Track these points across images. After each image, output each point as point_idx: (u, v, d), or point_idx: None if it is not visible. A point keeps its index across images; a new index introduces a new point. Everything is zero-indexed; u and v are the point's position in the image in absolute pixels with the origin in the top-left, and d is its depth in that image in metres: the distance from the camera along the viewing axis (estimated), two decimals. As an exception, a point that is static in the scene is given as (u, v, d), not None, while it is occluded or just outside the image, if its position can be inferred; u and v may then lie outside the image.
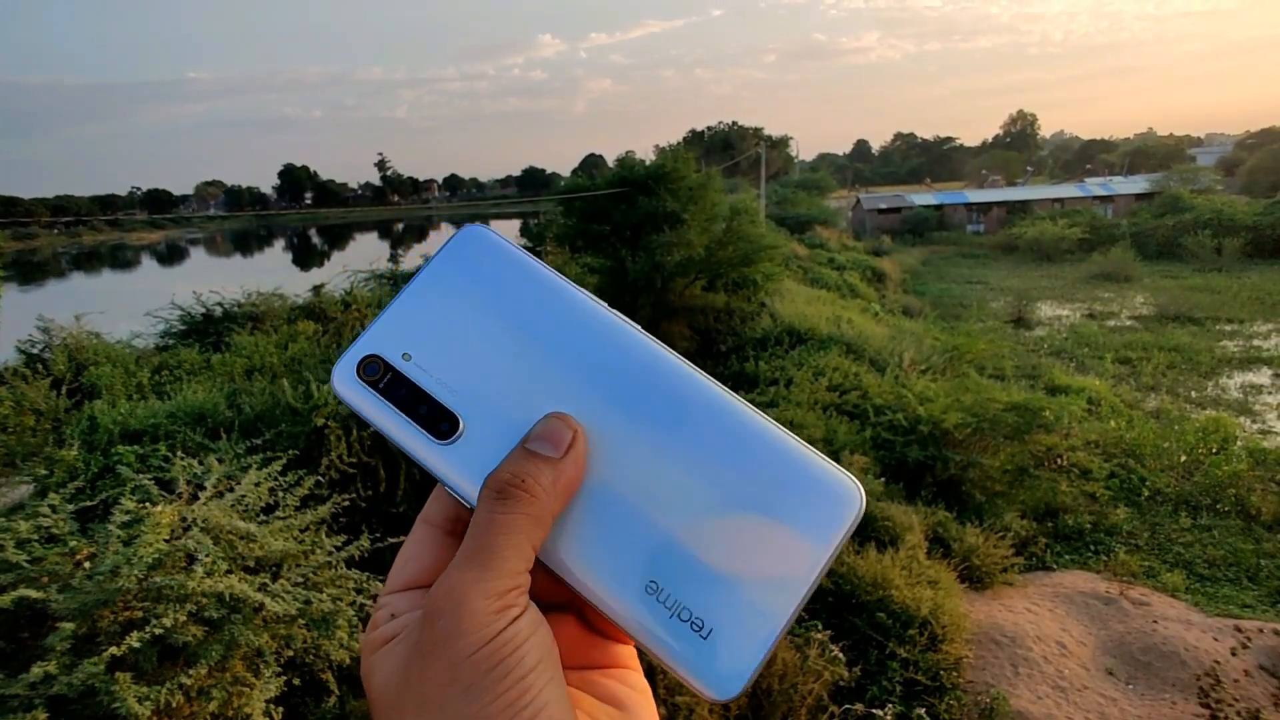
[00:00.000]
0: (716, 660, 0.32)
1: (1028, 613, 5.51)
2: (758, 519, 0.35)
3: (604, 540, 0.35)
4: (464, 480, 0.36)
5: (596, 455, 0.36)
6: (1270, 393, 11.10)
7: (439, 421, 0.37)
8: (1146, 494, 7.66)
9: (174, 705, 2.94)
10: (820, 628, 4.74)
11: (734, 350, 11.24)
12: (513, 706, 0.31)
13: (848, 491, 0.35)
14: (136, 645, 2.78)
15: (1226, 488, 7.38)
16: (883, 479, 6.76)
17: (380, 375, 0.38)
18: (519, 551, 0.33)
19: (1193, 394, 11.07)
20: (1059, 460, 8.25)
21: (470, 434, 0.37)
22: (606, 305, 0.40)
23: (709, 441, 0.36)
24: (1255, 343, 13.87)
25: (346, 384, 0.39)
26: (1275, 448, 8.54)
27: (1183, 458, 8.11)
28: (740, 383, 9.56)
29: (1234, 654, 4.97)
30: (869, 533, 5.86)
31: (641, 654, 0.35)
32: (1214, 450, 8.06)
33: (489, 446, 0.37)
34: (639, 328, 0.39)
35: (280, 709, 3.22)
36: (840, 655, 4.57)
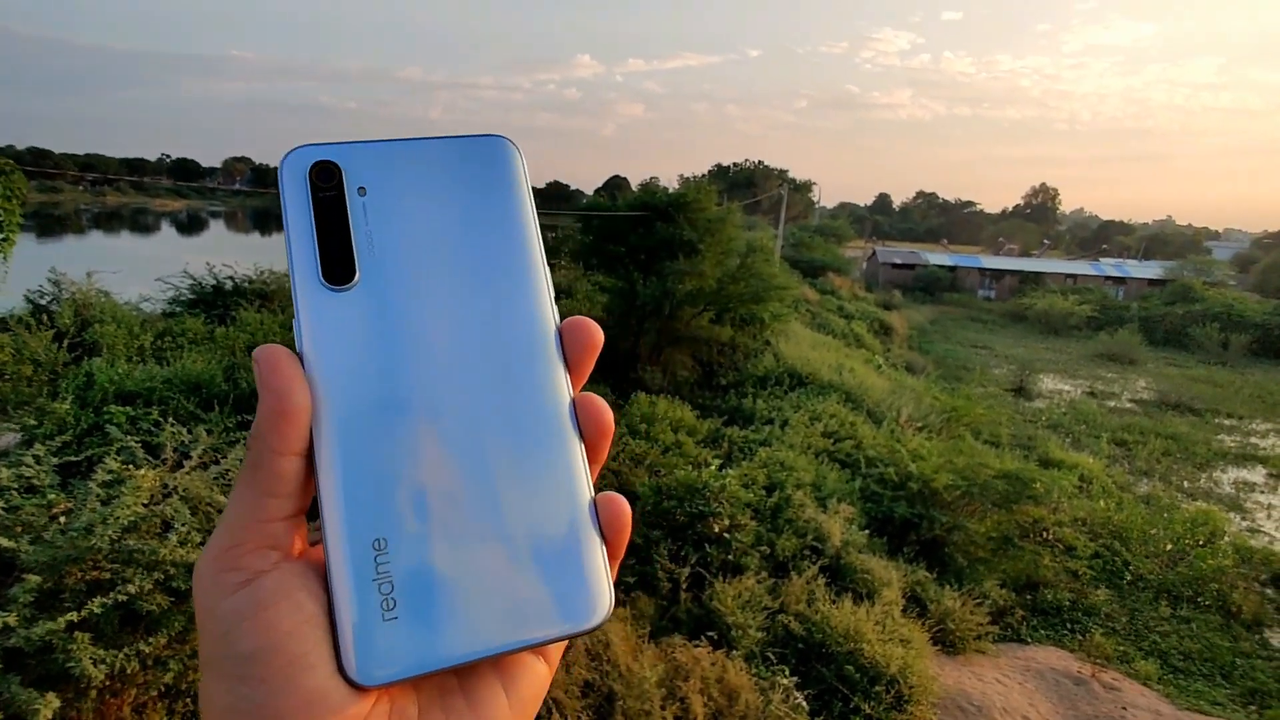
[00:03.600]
0: (378, 645, 0.30)
1: (997, 683, 5.44)
2: (516, 566, 0.33)
3: (374, 478, 0.32)
4: (316, 327, 0.34)
5: (415, 403, 0.34)
6: (1263, 491, 11.05)
7: (337, 266, 0.34)
8: (1129, 578, 7.60)
9: (129, 671, 2.91)
10: (787, 673, 4.69)
11: (734, 385, 11.26)
12: (234, 690, 0.29)
13: (596, 604, 0.34)
14: (99, 611, 2.76)
15: (1209, 581, 7.32)
16: (867, 531, 6.72)
17: (326, 188, 0.35)
18: (241, 504, 0.31)
19: (1185, 484, 11.03)
20: (1045, 534, 8.20)
21: (353, 295, 0.34)
22: (551, 289, 0.38)
23: (530, 476, 0.35)
24: (1253, 440, 13.83)
25: (293, 174, 0.35)
26: (1262, 547, 8.48)
27: (1169, 546, 8.05)
28: (736, 418, 9.56)
29: (1201, 751, 4.90)
30: (846, 583, 5.82)
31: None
32: (1201, 542, 8.01)
33: (360, 320, 0.34)
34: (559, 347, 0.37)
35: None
36: (804, 704, 4.51)
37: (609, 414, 0.37)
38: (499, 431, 0.35)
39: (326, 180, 0.35)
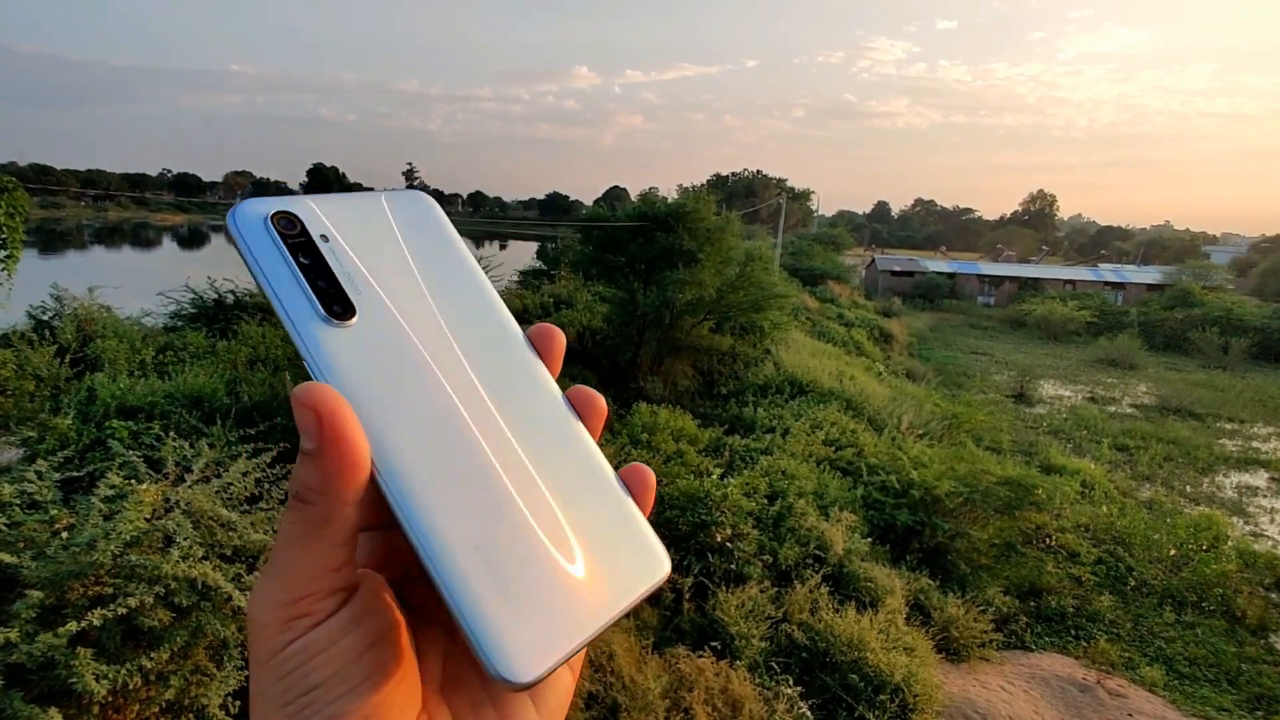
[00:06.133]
0: (518, 641, 0.31)
1: (1002, 691, 5.41)
2: (589, 542, 0.36)
3: (449, 492, 0.34)
4: (337, 366, 0.34)
5: (452, 417, 0.35)
6: (1265, 495, 11.02)
7: (334, 303, 0.35)
8: (1132, 584, 7.57)
9: (131, 687, 2.91)
10: (790, 683, 4.68)
11: (734, 394, 11.26)
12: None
13: (661, 560, 0.38)
14: (98, 623, 2.76)
15: (1214, 586, 7.29)
16: (869, 539, 6.71)
17: (294, 234, 0.36)
18: (307, 558, 0.32)
19: (1187, 488, 11.00)
20: (1047, 540, 8.18)
21: (361, 329, 0.35)
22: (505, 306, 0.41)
23: (564, 462, 0.37)
24: (1254, 444, 13.80)
25: (250, 224, 0.35)
26: (1266, 551, 8.45)
27: (1172, 551, 8.03)
28: (737, 427, 9.56)
29: (1208, 758, 4.86)
30: (849, 591, 5.80)
31: (451, 622, 0.32)
32: (1204, 547, 7.99)
33: (375, 351, 0.35)
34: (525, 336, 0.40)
35: (238, 703, 3.18)
36: (808, 714, 4.50)
37: (600, 398, 0.41)
38: (528, 427, 0.37)
39: (290, 228, 0.36)
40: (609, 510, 0.38)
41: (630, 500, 0.39)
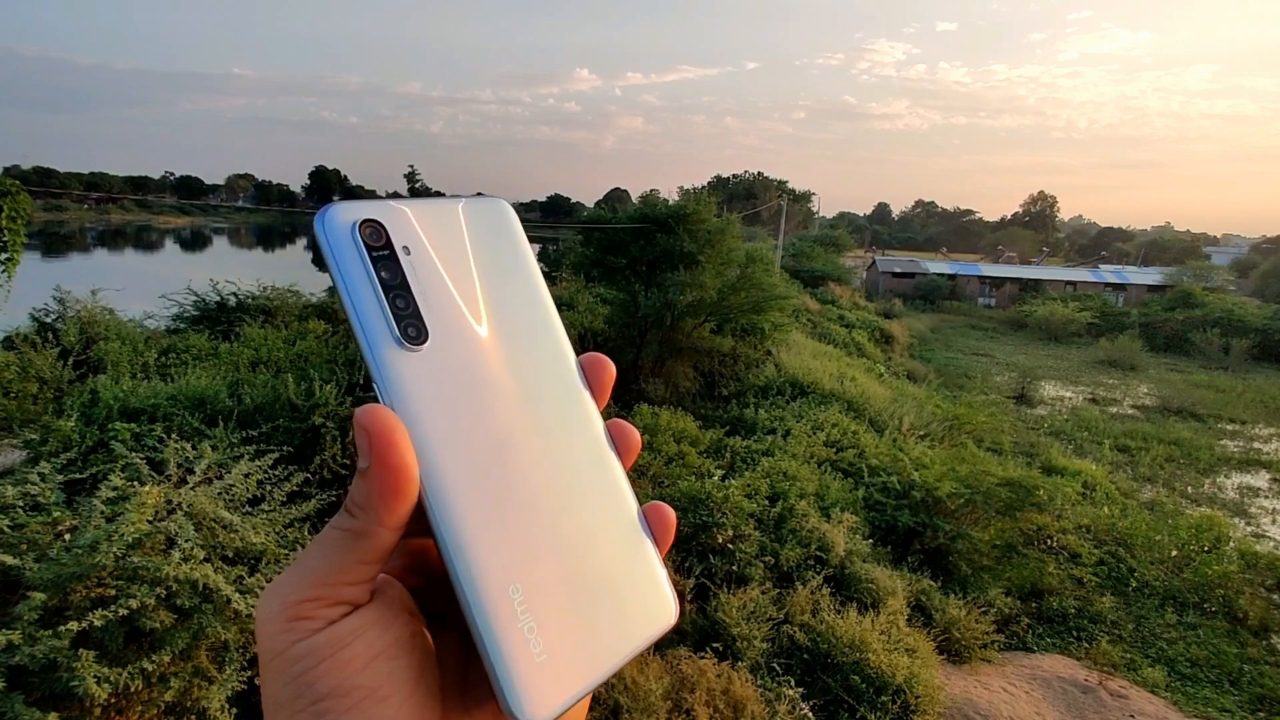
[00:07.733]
0: (536, 684, 0.33)
1: (1004, 692, 5.41)
2: (610, 586, 0.37)
3: (492, 528, 0.34)
4: (402, 391, 0.34)
5: (505, 452, 0.36)
6: (1267, 496, 11.01)
7: (409, 324, 0.35)
8: (1134, 585, 7.57)
9: (132, 690, 2.91)
10: (792, 684, 4.67)
11: (735, 396, 11.27)
12: None
13: (670, 607, 0.39)
14: (99, 623, 2.77)
15: (1215, 587, 7.28)
16: (871, 540, 6.71)
17: (379, 246, 0.35)
18: (332, 564, 0.32)
19: (1189, 489, 10.99)
20: (1049, 541, 8.17)
21: (429, 354, 0.35)
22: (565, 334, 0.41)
23: (599, 502, 0.39)
24: (1255, 445, 13.79)
25: (337, 233, 0.35)
26: (1268, 552, 8.43)
27: (1174, 552, 8.02)
28: (739, 428, 9.56)
29: (1210, 760, 4.85)
30: (851, 593, 5.80)
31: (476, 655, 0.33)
32: (1205, 548, 7.98)
33: (439, 378, 0.35)
34: (585, 379, 0.41)
35: (234, 710, 3.17)
36: (810, 715, 4.49)
37: (637, 435, 0.42)
38: (572, 468, 0.38)
39: (377, 240, 0.35)
40: (631, 553, 0.39)
41: (650, 542, 0.40)
